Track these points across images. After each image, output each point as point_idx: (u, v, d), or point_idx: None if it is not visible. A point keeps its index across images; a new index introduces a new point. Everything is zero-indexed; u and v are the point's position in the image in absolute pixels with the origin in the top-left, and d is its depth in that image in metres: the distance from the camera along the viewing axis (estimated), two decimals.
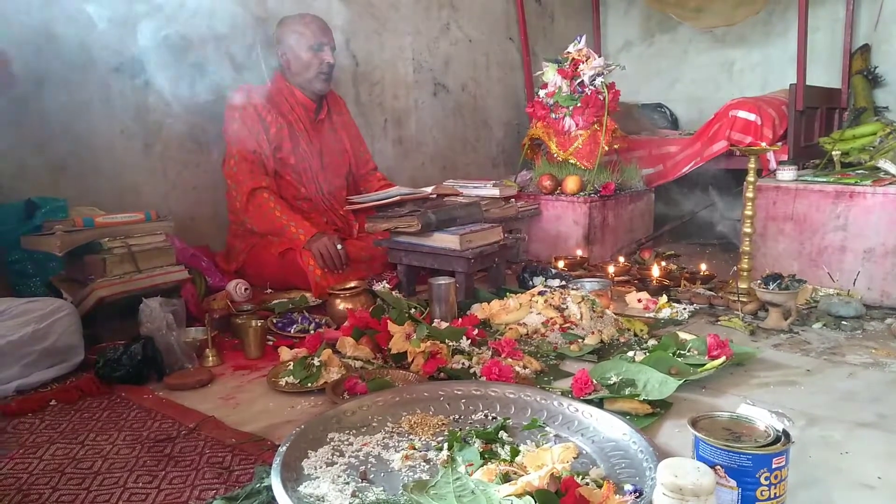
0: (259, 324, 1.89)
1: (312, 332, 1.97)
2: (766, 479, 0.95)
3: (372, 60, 3.23)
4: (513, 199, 3.03)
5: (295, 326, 2.05)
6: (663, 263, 2.61)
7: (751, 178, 2.14)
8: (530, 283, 2.42)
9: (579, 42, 3.13)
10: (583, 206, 2.96)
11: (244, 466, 1.23)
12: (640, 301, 2.25)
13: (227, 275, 2.37)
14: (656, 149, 3.49)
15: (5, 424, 1.45)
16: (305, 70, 2.50)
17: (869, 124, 2.84)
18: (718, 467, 0.97)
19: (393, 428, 1.33)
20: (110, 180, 2.37)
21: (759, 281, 2.01)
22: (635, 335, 1.94)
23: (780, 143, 3.02)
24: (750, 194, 2.14)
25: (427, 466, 1.18)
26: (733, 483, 0.96)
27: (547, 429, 1.30)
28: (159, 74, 2.46)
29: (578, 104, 3.06)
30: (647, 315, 2.15)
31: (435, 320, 1.94)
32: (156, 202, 2.46)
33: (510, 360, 1.66)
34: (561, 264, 2.69)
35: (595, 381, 1.49)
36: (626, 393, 1.45)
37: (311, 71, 2.50)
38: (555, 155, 3.16)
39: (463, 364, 1.66)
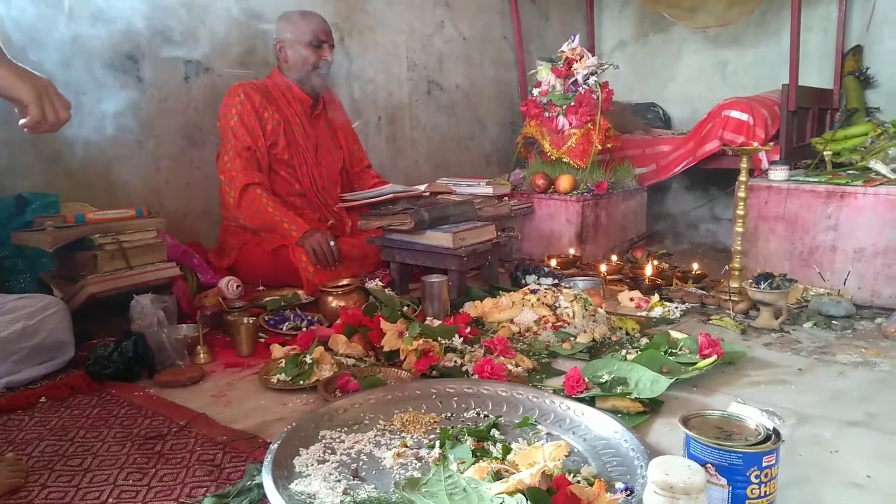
0: (251, 321, 1.89)
1: (304, 329, 1.97)
2: (757, 477, 0.96)
3: (366, 58, 3.22)
4: (506, 198, 3.03)
5: (287, 324, 2.04)
6: (655, 262, 2.62)
7: (743, 177, 2.15)
8: (523, 281, 2.42)
9: (573, 41, 3.14)
10: (576, 204, 2.97)
11: (235, 464, 1.23)
12: (632, 300, 2.26)
13: (218, 271, 2.36)
14: (649, 148, 3.50)
15: None
16: (303, 65, 2.49)
17: (860, 125, 2.86)
18: (709, 465, 0.97)
19: (385, 426, 1.33)
20: (102, 176, 2.36)
21: (750, 280, 2.02)
22: (627, 334, 1.94)
23: (772, 143, 3.03)
24: (742, 194, 2.15)
25: (419, 464, 1.18)
26: (724, 481, 0.97)
27: (539, 427, 1.30)
28: (152, 69, 2.45)
29: (572, 103, 3.06)
30: (639, 314, 2.16)
31: (427, 318, 1.94)
32: (147, 198, 2.45)
33: (502, 358, 1.66)
34: (553, 263, 2.69)
35: (587, 380, 1.49)
36: (618, 391, 1.45)
37: (308, 67, 2.49)
38: (548, 154, 3.16)
39: (455, 362, 1.66)
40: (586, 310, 1.96)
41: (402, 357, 1.69)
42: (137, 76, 2.42)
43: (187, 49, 2.54)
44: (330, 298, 2.08)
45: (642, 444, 1.16)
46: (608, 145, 3.14)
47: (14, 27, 2.08)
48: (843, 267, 2.28)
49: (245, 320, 1.87)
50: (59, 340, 1.71)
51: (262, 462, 1.12)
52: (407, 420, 1.34)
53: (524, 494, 0.95)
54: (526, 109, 3.26)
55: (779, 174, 2.46)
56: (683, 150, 3.32)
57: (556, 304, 1.98)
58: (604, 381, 1.52)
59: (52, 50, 2.17)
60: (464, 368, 1.64)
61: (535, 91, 3.20)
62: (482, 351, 1.72)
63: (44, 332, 1.67)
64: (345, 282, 2.15)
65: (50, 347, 1.68)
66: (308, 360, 1.64)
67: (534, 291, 2.06)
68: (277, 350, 1.79)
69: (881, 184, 2.26)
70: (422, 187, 2.79)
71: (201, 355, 1.80)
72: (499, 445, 1.19)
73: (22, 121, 1.39)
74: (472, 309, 2.04)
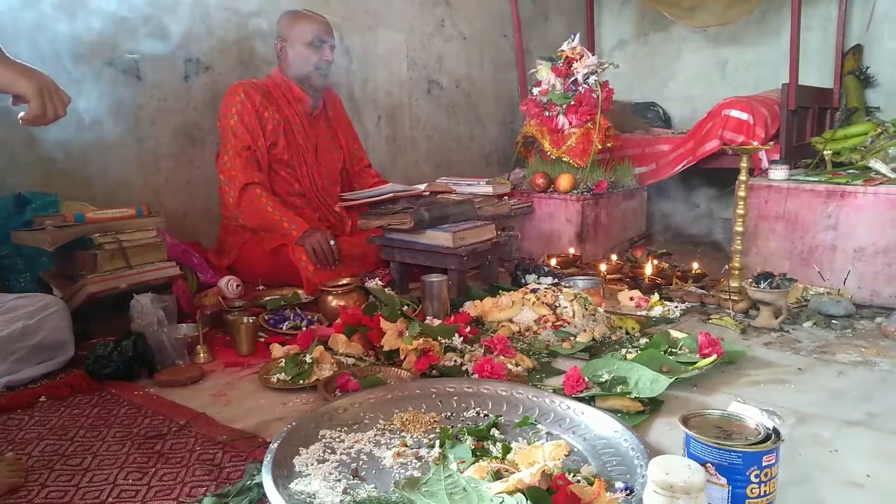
0: (251, 320, 1.88)
1: (304, 328, 1.97)
2: (757, 476, 0.96)
3: (366, 57, 3.22)
4: (506, 197, 3.03)
5: (287, 323, 2.04)
6: (655, 262, 2.62)
7: (743, 177, 2.15)
8: (523, 280, 2.42)
9: (573, 40, 3.13)
10: (575, 204, 2.97)
11: (235, 463, 1.23)
12: (632, 299, 2.26)
13: (218, 271, 2.36)
14: (649, 147, 3.50)
15: None
16: (304, 65, 2.49)
17: (860, 124, 2.85)
18: (709, 465, 0.97)
19: (385, 425, 1.33)
20: (102, 175, 2.36)
21: (750, 280, 2.02)
22: (627, 333, 1.94)
23: (772, 143, 3.03)
24: (742, 193, 2.15)
25: (419, 464, 1.18)
26: (724, 481, 0.97)
27: (538, 426, 1.30)
28: (152, 68, 2.45)
29: (572, 102, 3.06)
30: (638, 313, 2.16)
31: (427, 317, 1.94)
32: (147, 197, 2.45)
33: (502, 357, 1.66)
34: (553, 262, 2.69)
35: (587, 379, 1.49)
36: (618, 391, 1.45)
37: (309, 66, 2.49)
38: (548, 153, 3.16)
39: (455, 361, 1.66)
40: (586, 309, 1.96)
41: (401, 356, 1.69)
42: (137, 74, 2.42)
43: (187, 48, 2.54)
44: (330, 298, 2.08)
45: (642, 444, 1.16)
46: (608, 144, 3.14)
47: (9, 23, 2.08)
48: (843, 266, 2.28)
49: (245, 320, 1.87)
50: (59, 340, 1.71)
51: (262, 461, 1.12)
52: (407, 419, 1.34)
53: (524, 494, 0.95)
54: (526, 109, 3.26)
55: (779, 173, 2.46)
56: (683, 149, 3.32)
57: (556, 304, 1.98)
58: (604, 380, 1.51)
59: (50, 48, 2.17)
60: (464, 368, 1.64)
61: (535, 90, 3.19)
62: (482, 350, 1.73)
63: (44, 331, 1.66)
64: (345, 281, 2.15)
65: (50, 347, 1.68)
66: (308, 359, 1.64)
67: (534, 291, 2.06)
68: (277, 349, 1.79)
69: (881, 183, 2.26)
70: (422, 186, 2.79)
71: (201, 355, 1.80)
72: (499, 445, 1.19)
73: (21, 114, 1.39)
74: (471, 308, 2.04)
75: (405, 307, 1.97)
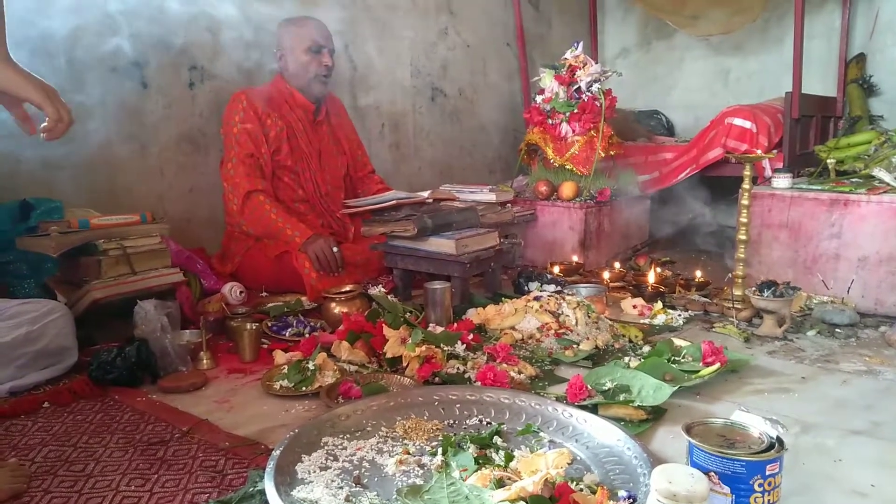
0: (254, 327, 1.89)
1: (307, 335, 1.97)
2: (760, 485, 0.96)
3: (370, 65, 3.23)
4: (509, 205, 3.03)
5: (290, 330, 2.04)
6: (658, 270, 2.62)
7: (746, 185, 2.15)
8: (526, 288, 2.42)
9: (576, 48, 3.15)
10: (578, 211, 2.97)
11: (237, 470, 1.23)
12: (635, 307, 2.25)
13: (222, 277, 2.36)
14: (652, 155, 3.51)
15: None
16: (304, 72, 2.50)
17: (864, 133, 2.86)
18: (712, 474, 0.97)
19: (387, 432, 1.33)
20: (106, 181, 2.37)
21: (753, 288, 2.01)
22: (630, 341, 1.94)
23: (775, 151, 3.03)
24: (745, 202, 2.15)
25: (421, 471, 1.18)
26: (727, 490, 0.96)
27: (541, 434, 1.30)
28: (157, 75, 2.46)
29: (575, 110, 3.07)
30: (642, 321, 2.15)
31: (430, 325, 1.94)
32: (152, 204, 2.46)
33: (505, 365, 1.66)
34: (556, 270, 2.69)
35: (590, 387, 1.49)
36: (621, 399, 1.45)
37: (309, 73, 2.50)
38: (551, 161, 3.17)
39: (458, 369, 1.66)
40: (589, 317, 1.96)
41: (404, 364, 1.69)
42: (142, 81, 2.43)
43: (192, 55, 2.55)
44: (333, 304, 2.08)
45: (645, 452, 1.15)
46: (611, 152, 3.15)
47: (14, 27, 2.09)
48: (847, 275, 2.27)
49: (248, 326, 1.88)
50: (63, 345, 1.71)
51: (265, 468, 1.12)
52: (409, 427, 1.33)
53: (527, 502, 0.95)
54: (529, 116, 3.27)
55: (782, 182, 2.46)
56: (686, 157, 3.32)
57: (559, 312, 1.98)
58: (607, 388, 1.51)
59: (56, 53, 2.18)
60: (466, 375, 1.63)
61: (539, 98, 3.20)
62: (485, 358, 1.72)
63: (47, 337, 1.67)
64: (348, 288, 2.15)
65: (53, 352, 1.68)
66: (311, 366, 1.64)
67: (537, 298, 2.06)
68: (280, 356, 1.79)
69: (885, 192, 2.26)
70: (425, 194, 2.79)
71: (204, 361, 1.80)
72: (501, 453, 1.19)
73: (43, 125, 1.39)
74: (474, 316, 2.04)
75: (408, 314, 1.97)
